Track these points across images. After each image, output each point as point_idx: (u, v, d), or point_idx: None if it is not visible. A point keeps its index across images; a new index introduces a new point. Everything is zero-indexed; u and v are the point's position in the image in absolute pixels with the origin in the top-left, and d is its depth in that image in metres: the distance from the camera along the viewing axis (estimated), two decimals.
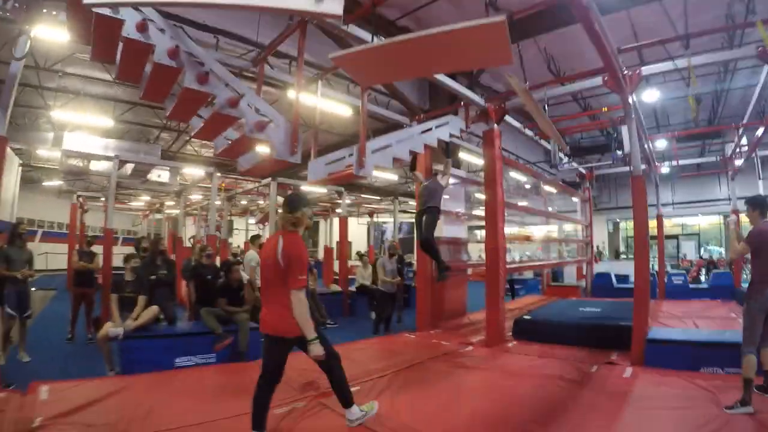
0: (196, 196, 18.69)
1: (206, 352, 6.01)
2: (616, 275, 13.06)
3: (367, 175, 5.55)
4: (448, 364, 5.84)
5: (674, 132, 10.09)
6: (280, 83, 7.34)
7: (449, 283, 9.02)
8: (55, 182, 19.70)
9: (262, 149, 5.44)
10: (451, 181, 8.51)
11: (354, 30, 5.22)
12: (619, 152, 8.09)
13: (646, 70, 6.21)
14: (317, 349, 3.16)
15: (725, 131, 13.93)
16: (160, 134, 16.08)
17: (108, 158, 10.16)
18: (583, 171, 13.45)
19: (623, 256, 23.83)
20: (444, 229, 9.25)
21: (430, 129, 6.71)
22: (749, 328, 4.10)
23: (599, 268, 14.65)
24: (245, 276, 7.38)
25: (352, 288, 11.97)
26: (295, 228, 3.32)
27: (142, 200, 20.60)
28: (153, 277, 6.47)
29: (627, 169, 15.17)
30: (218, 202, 17.45)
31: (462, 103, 7.70)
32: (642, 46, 6.04)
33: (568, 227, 15.08)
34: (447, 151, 7.17)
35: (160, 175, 13.71)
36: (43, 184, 20.19)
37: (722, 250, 22.06)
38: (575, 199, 14.22)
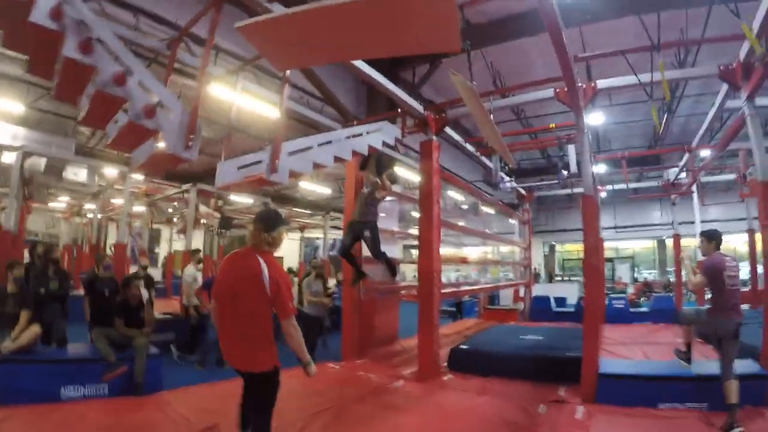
0: (119, 200, 17.08)
1: (99, 382, 5.19)
2: (554, 297, 12.73)
3: (281, 182, 4.67)
4: (376, 404, 5.03)
5: (623, 153, 9.77)
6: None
7: (379, 305, 8.33)
8: None
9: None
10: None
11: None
12: (565, 172, 7.67)
13: (602, 83, 5.75)
14: (313, 369, 3.23)
15: (665, 158, 14.11)
16: (76, 127, 14.38)
17: (14, 148, 8.93)
18: (523, 192, 13.16)
19: (558, 278, 23.95)
20: None
21: (360, 134, 5.96)
22: (695, 321, 4.79)
23: (535, 290, 14.36)
24: (145, 294, 6.49)
25: None
26: (270, 248, 3.09)
27: (62, 201, 18.76)
28: (42, 290, 5.60)
29: (564, 192, 15.42)
30: (140, 208, 16.22)
31: (399, 110, 7.02)
32: (600, 55, 5.59)
33: (505, 249, 14.80)
34: (378, 163, 6.41)
35: (76, 173, 12.50)
36: None
37: (654, 272, 22.81)
38: (513, 221, 13.90)
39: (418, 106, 6.63)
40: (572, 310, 11.68)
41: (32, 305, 5.28)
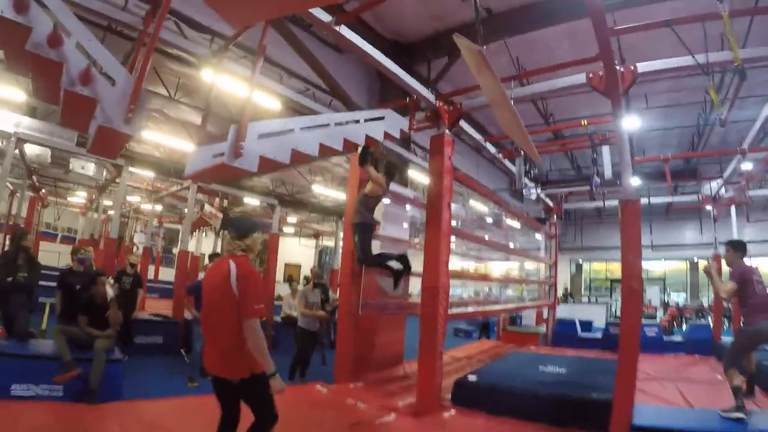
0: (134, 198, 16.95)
1: (52, 383, 4.84)
2: (580, 321, 11.56)
3: (249, 168, 3.85)
4: None
5: (665, 156, 8.59)
6: (194, 57, 5.99)
7: (382, 323, 7.43)
8: None
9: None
10: (391, 202, 7.40)
11: None
12: (598, 179, 6.64)
13: (643, 66, 4.77)
14: (279, 383, 2.85)
15: (702, 171, 12.91)
16: None
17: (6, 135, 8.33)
18: (550, 203, 12.08)
19: (585, 299, 22.59)
20: None
21: (357, 121, 5.07)
22: (736, 353, 4.66)
23: (559, 312, 13.20)
24: (111, 292, 5.94)
25: (279, 317, 10.16)
26: (245, 254, 3.03)
27: (80, 196, 18.64)
28: (10, 279, 5.45)
29: (593, 205, 14.24)
30: (150, 206, 15.75)
31: (408, 99, 6.13)
32: (643, 27, 4.55)
33: (530, 266, 13.70)
34: (367, 152, 5.59)
35: (83, 166, 12.10)
36: None
37: (685, 295, 21.52)
38: (539, 236, 12.78)
39: (428, 95, 5.73)
40: (599, 336, 10.50)
41: None
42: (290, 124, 4.46)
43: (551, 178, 16.39)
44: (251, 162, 3.87)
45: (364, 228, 5.54)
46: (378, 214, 7.51)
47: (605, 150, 6.66)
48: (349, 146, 4.92)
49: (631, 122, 8.90)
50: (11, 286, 5.42)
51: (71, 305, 5.63)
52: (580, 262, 23.88)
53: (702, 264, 6.34)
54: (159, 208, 17.30)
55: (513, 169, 7.86)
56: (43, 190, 16.34)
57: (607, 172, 6.57)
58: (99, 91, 3.26)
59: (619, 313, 16.64)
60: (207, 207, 13.39)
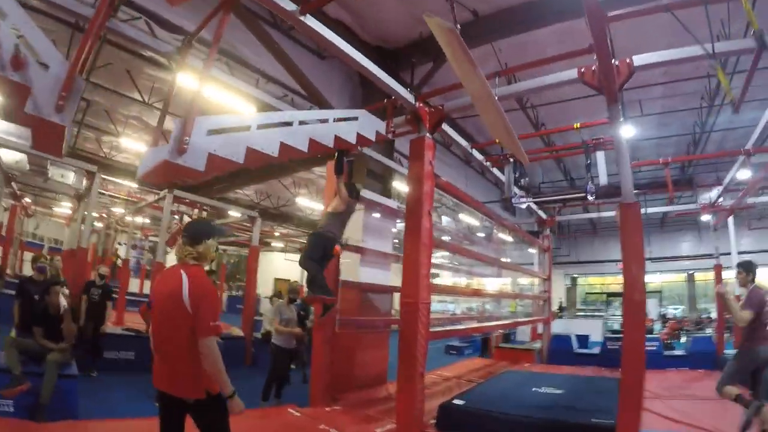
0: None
1: (2, 397, 4.56)
2: (576, 336, 11.07)
3: (194, 166, 3.37)
4: None
5: (665, 158, 8.14)
6: (164, 57, 5.44)
7: (364, 340, 6.96)
8: None
9: None
10: (372, 213, 7.13)
11: None
12: (593, 186, 6.19)
13: (639, 59, 4.37)
14: (238, 405, 2.63)
15: (698, 180, 12.57)
16: None
17: None
18: (543, 215, 11.64)
19: (581, 314, 22.12)
20: (362, 272, 7.14)
21: (325, 120, 4.64)
22: (732, 375, 4.62)
23: (555, 327, 12.71)
24: (64, 302, 5.61)
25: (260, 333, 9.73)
26: (197, 262, 2.79)
27: (64, 206, 18.18)
28: None
29: (587, 216, 13.86)
30: (139, 218, 15.25)
31: (386, 100, 5.72)
32: (635, 13, 4.11)
33: (524, 281, 13.24)
34: (340, 163, 5.19)
35: (63, 174, 11.72)
36: None
37: (683, 307, 21.21)
38: (532, 250, 12.31)
39: (408, 95, 5.31)
40: (597, 352, 10.01)
41: None
42: (246, 121, 4.02)
43: (544, 190, 16.05)
44: (197, 160, 3.40)
45: (318, 235, 5.09)
46: (357, 226, 7.10)
47: (600, 156, 6.24)
48: (315, 148, 4.46)
49: (626, 131, 8.51)
50: None
51: (28, 315, 5.44)
52: (575, 276, 23.44)
53: (718, 288, 6.06)
54: (143, 220, 16.81)
55: (502, 177, 7.42)
56: (27, 199, 16.00)
57: (603, 179, 6.14)
58: (32, 78, 2.84)
59: (615, 327, 16.27)
60: (186, 219, 12.90)
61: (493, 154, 7.89)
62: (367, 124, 5.06)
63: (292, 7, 3.78)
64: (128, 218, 16.03)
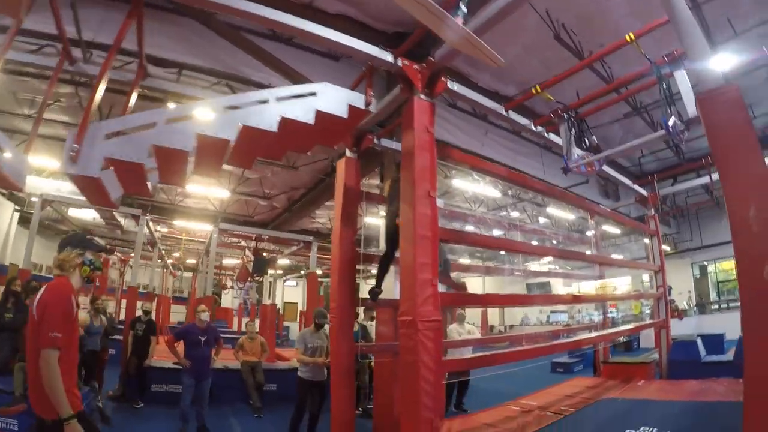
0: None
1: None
2: (703, 338, 8.65)
3: (89, 173, 3.09)
4: None
5: None
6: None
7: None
8: None
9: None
10: None
11: None
12: (674, 121, 4.38)
13: None
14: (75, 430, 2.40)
15: None
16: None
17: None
18: (643, 192, 9.49)
19: (714, 307, 18.59)
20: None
21: (265, 101, 3.58)
22: None
23: (682, 327, 10.26)
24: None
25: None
26: (61, 272, 2.71)
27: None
28: None
29: (699, 182, 11.14)
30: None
31: (365, 69, 4.57)
32: None
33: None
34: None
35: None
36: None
37: None
38: (648, 240, 10.01)
39: (383, 54, 4.12)
40: (731, 359, 7.56)
41: None
42: (152, 116, 3.21)
43: (647, 169, 13.64)
44: (91, 166, 3.09)
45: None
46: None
47: (681, 77, 4.44)
48: (250, 133, 3.42)
49: (720, 62, 6.42)
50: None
51: None
52: (704, 263, 19.80)
53: None
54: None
55: (558, 141, 5.74)
56: (117, 254, 17.36)
57: (690, 108, 4.33)
58: None
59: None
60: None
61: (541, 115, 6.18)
62: (331, 99, 3.91)
63: None
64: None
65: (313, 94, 3.83)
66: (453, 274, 5.70)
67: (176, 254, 17.20)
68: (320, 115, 3.76)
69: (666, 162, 13.53)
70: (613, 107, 9.41)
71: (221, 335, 7.20)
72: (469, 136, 9.73)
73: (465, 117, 9.85)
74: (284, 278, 27.35)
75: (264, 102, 3.61)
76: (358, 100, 4.09)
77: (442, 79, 4.26)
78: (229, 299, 24.52)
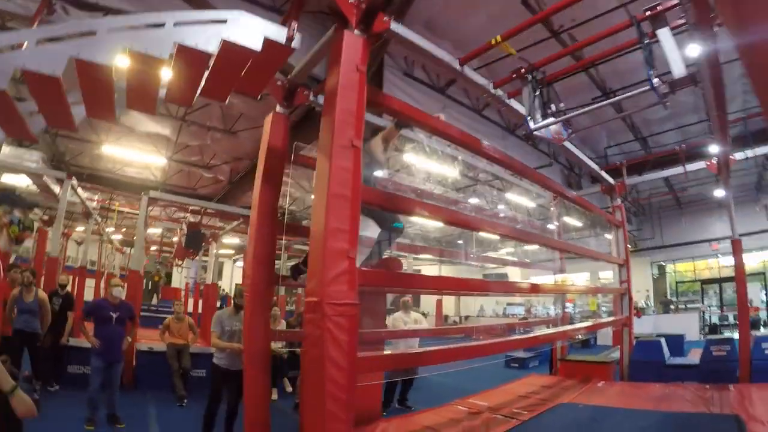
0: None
1: None
2: (667, 338, 8.25)
3: None
4: None
5: None
6: None
7: None
8: None
9: None
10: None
11: None
12: (659, 80, 3.78)
13: None
14: (23, 401, 2.10)
15: None
16: None
17: None
18: (610, 180, 8.97)
19: (672, 307, 18.71)
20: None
21: (161, 25, 2.88)
22: None
23: (641, 326, 9.84)
24: None
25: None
26: None
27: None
28: None
29: (665, 173, 10.81)
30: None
31: None
32: None
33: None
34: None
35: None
36: None
37: None
38: (609, 235, 9.50)
39: None
40: (696, 362, 7.14)
41: None
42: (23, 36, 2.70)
43: (613, 161, 13.39)
44: None
45: None
46: None
47: (664, 35, 3.82)
48: (139, 59, 2.68)
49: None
50: None
51: None
52: (663, 263, 19.96)
53: None
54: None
55: (521, 110, 5.04)
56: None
57: (677, 68, 3.71)
58: None
59: (714, 322, 13.09)
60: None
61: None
62: (244, 29, 3.12)
63: None
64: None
65: (223, 21, 3.06)
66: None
67: (110, 229, 16.03)
68: (227, 46, 2.99)
69: (631, 155, 13.28)
70: (581, 91, 8.98)
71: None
72: (425, 108, 9.12)
73: (422, 88, 9.14)
74: (234, 259, 26.14)
75: (159, 26, 2.83)
76: (278, 33, 3.32)
77: (384, 18, 3.54)
78: (180, 279, 23.42)
